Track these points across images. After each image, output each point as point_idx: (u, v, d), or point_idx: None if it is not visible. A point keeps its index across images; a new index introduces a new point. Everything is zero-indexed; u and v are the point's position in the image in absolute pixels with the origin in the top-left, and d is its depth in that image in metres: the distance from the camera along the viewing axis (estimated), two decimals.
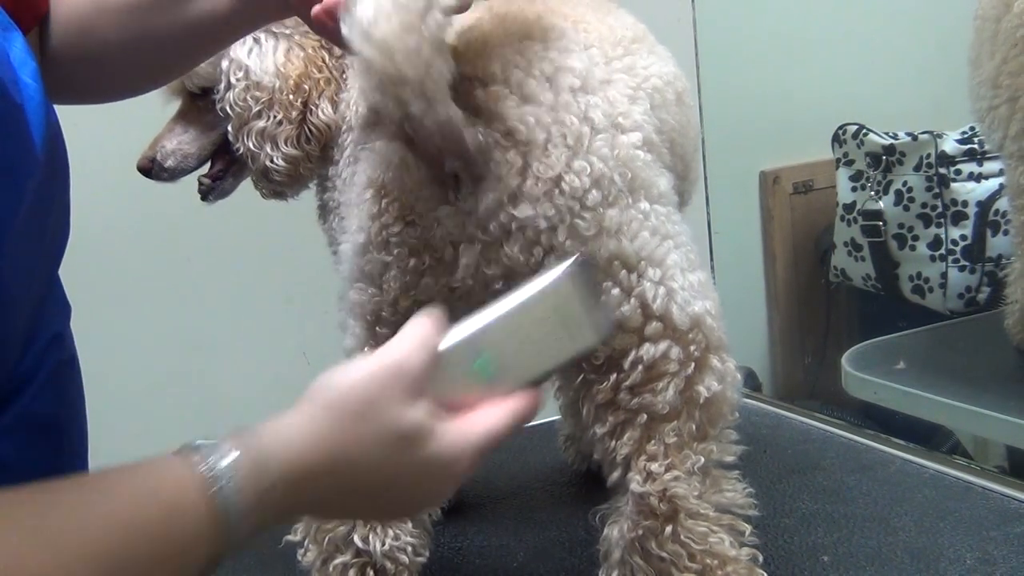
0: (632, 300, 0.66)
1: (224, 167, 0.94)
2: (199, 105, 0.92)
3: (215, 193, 0.95)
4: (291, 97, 0.84)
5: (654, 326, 0.66)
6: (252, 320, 1.70)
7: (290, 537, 0.77)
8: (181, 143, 0.93)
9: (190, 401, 1.67)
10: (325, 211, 0.89)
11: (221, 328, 1.69)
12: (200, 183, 0.95)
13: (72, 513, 0.44)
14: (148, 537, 0.45)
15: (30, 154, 0.55)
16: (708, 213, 1.73)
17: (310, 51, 0.85)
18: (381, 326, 0.70)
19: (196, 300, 1.64)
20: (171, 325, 1.64)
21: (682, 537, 0.65)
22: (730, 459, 0.70)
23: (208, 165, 0.95)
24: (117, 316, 1.59)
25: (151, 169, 0.93)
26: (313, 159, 0.87)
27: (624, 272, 0.66)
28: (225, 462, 0.48)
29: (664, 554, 0.65)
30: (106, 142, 1.44)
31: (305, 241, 0.92)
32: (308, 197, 0.93)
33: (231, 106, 0.86)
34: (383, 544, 0.73)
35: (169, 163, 0.92)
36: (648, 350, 0.66)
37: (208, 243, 1.62)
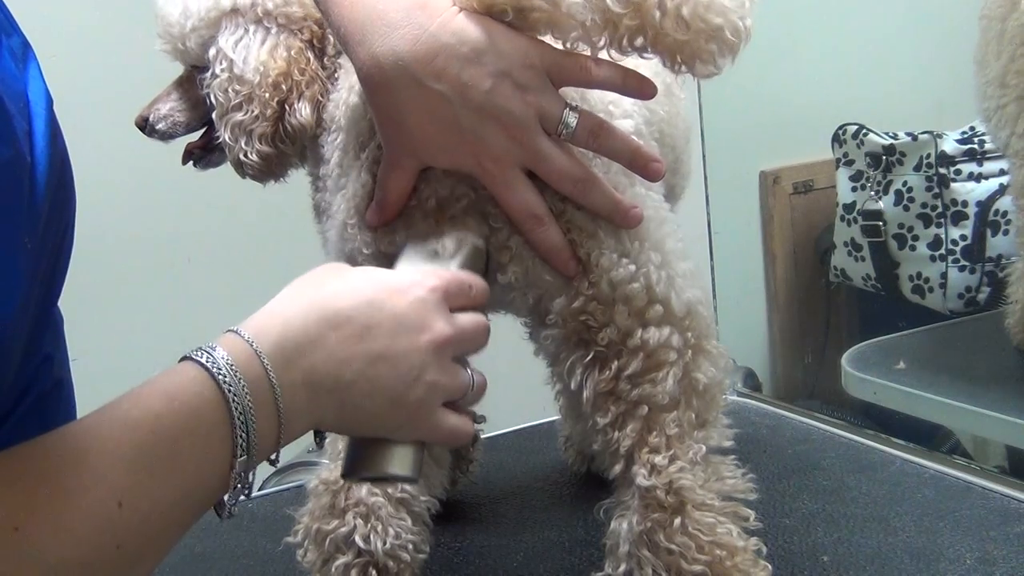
0: (640, 279, 0.66)
1: (212, 142, 0.93)
2: (197, 78, 0.91)
3: (202, 163, 0.95)
4: (268, 95, 0.83)
5: (656, 309, 0.67)
6: None
7: (290, 539, 0.77)
8: (174, 110, 0.93)
9: None
10: (319, 212, 0.89)
11: (221, 328, 1.69)
12: (189, 151, 0.95)
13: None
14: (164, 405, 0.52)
15: (33, 207, 0.54)
16: (708, 213, 1.73)
17: (295, 52, 0.84)
18: None
19: (196, 300, 1.64)
20: (171, 325, 1.64)
21: (690, 529, 0.65)
22: (727, 444, 0.71)
23: (201, 132, 0.95)
24: (117, 316, 1.59)
25: (144, 128, 0.93)
26: (288, 158, 0.87)
27: (637, 243, 0.67)
28: (218, 351, 0.57)
29: (673, 546, 0.65)
30: (107, 143, 1.44)
31: (305, 241, 0.92)
32: (307, 196, 0.93)
33: (214, 95, 0.86)
34: (384, 543, 0.73)
35: (160, 126, 0.92)
36: (653, 335, 0.66)
37: (208, 243, 1.62)
